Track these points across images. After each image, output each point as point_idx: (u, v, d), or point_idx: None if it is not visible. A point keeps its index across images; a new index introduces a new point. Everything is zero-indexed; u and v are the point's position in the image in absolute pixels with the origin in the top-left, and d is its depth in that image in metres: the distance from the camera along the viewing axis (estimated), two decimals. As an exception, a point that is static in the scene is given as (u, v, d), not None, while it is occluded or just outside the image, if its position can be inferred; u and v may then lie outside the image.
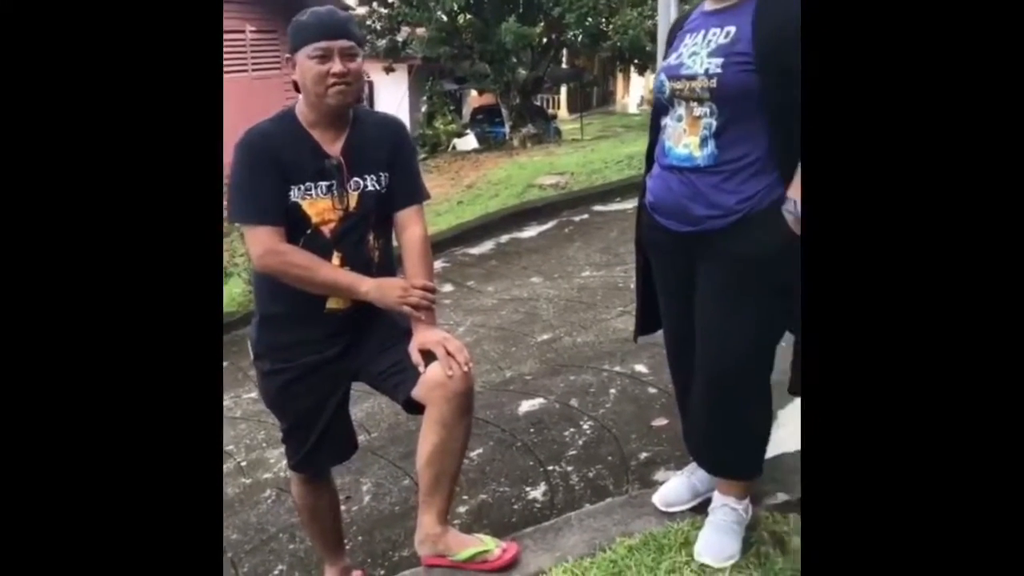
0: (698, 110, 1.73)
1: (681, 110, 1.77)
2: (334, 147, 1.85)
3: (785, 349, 1.87)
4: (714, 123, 1.71)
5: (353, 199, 1.86)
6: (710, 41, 1.72)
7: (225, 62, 10.62)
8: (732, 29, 1.69)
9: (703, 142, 1.73)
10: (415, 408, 1.89)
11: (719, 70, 1.67)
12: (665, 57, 1.86)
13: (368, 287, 1.83)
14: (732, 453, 1.90)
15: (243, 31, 11.08)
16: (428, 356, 1.84)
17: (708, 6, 1.79)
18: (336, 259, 1.85)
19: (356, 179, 1.86)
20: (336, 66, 1.76)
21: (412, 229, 1.94)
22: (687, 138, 1.76)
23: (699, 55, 1.72)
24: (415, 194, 1.96)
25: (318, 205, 1.83)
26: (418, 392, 1.83)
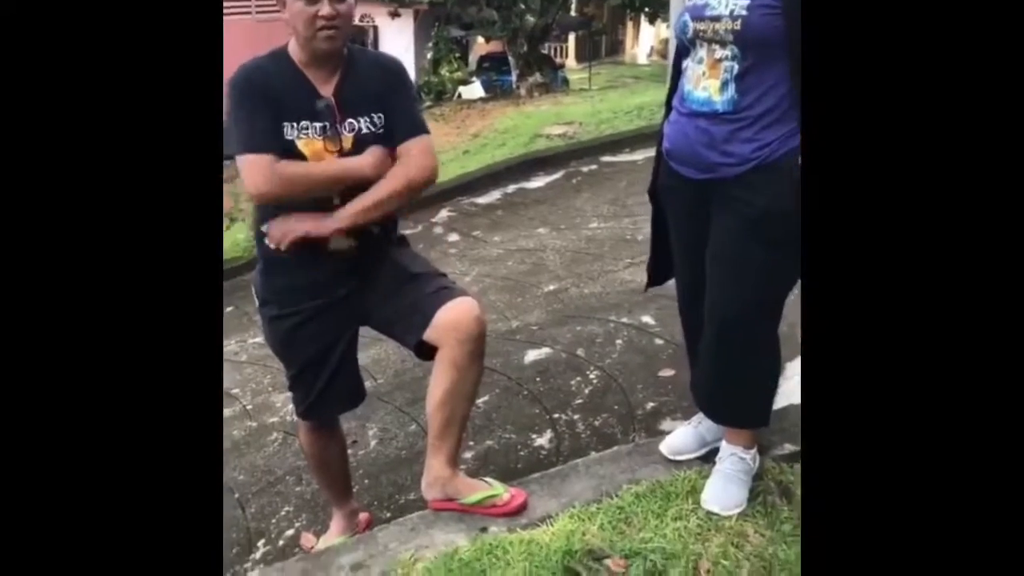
0: (720, 52, 1.69)
1: (702, 52, 1.73)
2: (327, 87, 1.80)
3: (794, 302, 1.85)
4: (736, 67, 1.67)
5: (348, 141, 1.82)
6: None
7: (228, 5, 10.44)
8: None
9: (723, 86, 1.69)
10: (425, 353, 1.88)
11: (744, 12, 1.63)
12: None
13: (364, 162, 1.80)
14: (739, 402, 1.90)
15: (246, -28, 10.87)
16: (438, 298, 1.83)
17: None
18: (336, 201, 1.82)
19: (351, 120, 1.81)
20: (324, 8, 1.71)
21: (411, 158, 1.84)
22: (706, 81, 1.72)
23: None
24: (414, 128, 1.86)
25: (313, 145, 1.79)
26: (430, 335, 1.82)
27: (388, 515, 2.42)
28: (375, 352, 3.57)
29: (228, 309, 4.86)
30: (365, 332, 2.03)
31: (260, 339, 4.15)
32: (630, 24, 26.48)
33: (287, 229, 1.80)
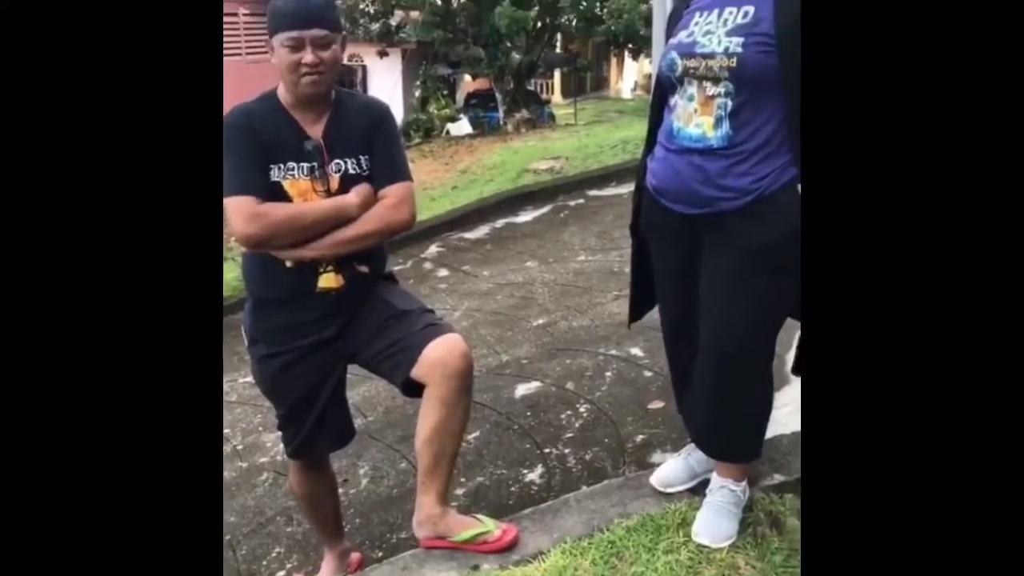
0: (712, 89, 1.70)
1: (692, 89, 1.74)
2: (315, 129, 1.84)
3: (783, 333, 1.87)
4: (730, 103, 1.68)
5: (335, 182, 1.85)
6: (726, 20, 1.69)
7: (217, 46, 10.54)
8: (751, 9, 1.67)
9: (718, 122, 1.70)
10: (413, 390, 1.89)
11: (740, 50, 1.64)
12: (671, 36, 1.83)
13: (350, 201, 1.83)
14: (733, 437, 1.90)
15: (236, 13, 10.99)
16: (425, 335, 1.84)
17: None
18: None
19: (337, 162, 1.85)
20: (307, 56, 1.74)
21: (390, 203, 1.87)
22: (699, 118, 1.73)
23: (715, 34, 1.69)
24: (395, 174, 1.89)
25: (299, 186, 1.82)
26: (418, 371, 1.83)
27: (380, 554, 2.40)
28: (365, 390, 3.57)
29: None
30: (355, 369, 2.04)
31: (250, 378, 4.13)
32: (614, 60, 26.84)
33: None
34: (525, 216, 6.93)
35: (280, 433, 2.09)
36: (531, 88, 16.93)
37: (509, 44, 13.74)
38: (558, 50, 18.76)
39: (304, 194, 1.82)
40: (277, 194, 1.81)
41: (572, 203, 7.09)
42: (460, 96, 19.08)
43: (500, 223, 6.85)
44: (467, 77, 18.78)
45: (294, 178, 1.82)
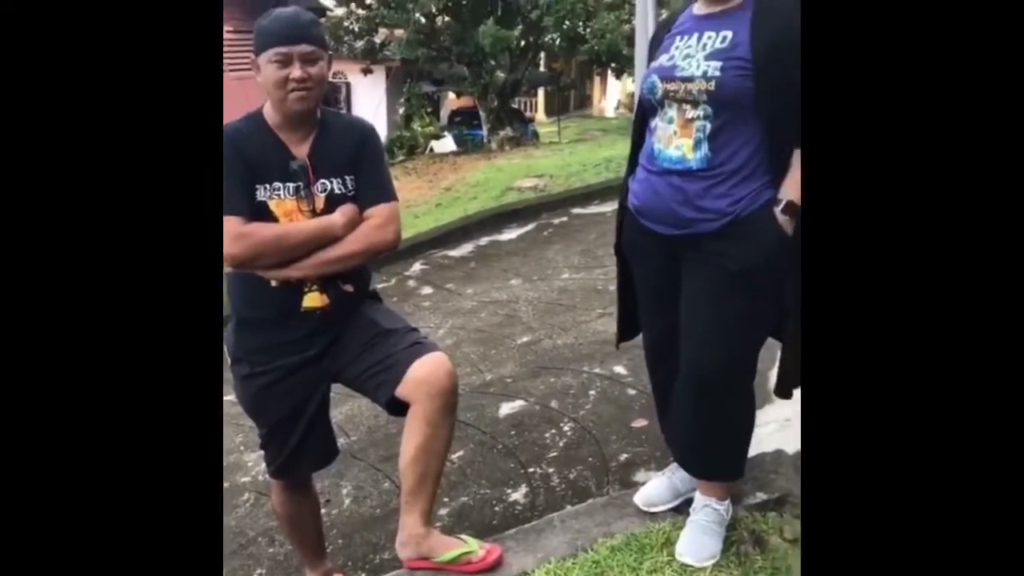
0: (691, 112, 1.73)
1: (672, 112, 1.77)
2: (301, 149, 1.84)
3: (765, 352, 1.88)
4: (708, 126, 1.71)
5: (320, 201, 1.85)
6: (705, 44, 1.72)
7: (201, 62, 10.53)
8: (729, 34, 1.70)
9: (697, 144, 1.73)
10: (398, 409, 1.88)
11: (718, 73, 1.67)
12: (652, 59, 1.86)
13: (335, 221, 1.83)
14: (715, 456, 1.91)
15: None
16: (410, 354, 1.84)
17: (700, 10, 1.79)
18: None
19: (323, 181, 1.85)
20: (295, 71, 1.75)
21: (374, 223, 1.88)
22: (679, 140, 1.75)
23: (694, 58, 1.72)
24: (380, 194, 1.90)
25: (285, 206, 1.82)
26: (402, 390, 1.83)
27: (362, 575, 2.39)
28: (348, 408, 3.55)
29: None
30: (337, 388, 2.03)
31: (231, 397, 4.11)
32: (597, 79, 27.07)
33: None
34: (509, 234, 6.94)
35: (262, 452, 2.07)
36: (515, 106, 17.04)
37: (493, 62, 13.84)
38: (542, 69, 18.91)
39: (290, 214, 1.83)
40: (263, 214, 1.81)
41: (556, 221, 7.12)
42: (444, 114, 19.17)
43: (484, 241, 6.86)
44: (451, 95, 18.89)
45: (280, 198, 1.82)
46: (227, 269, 1.96)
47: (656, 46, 1.88)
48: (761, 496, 2.09)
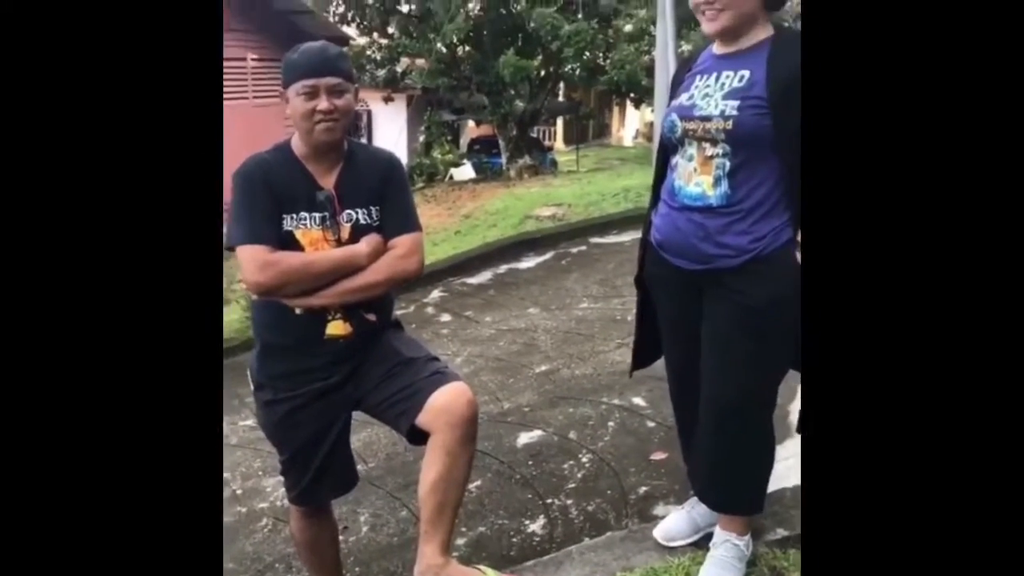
0: (711, 150, 1.76)
1: (692, 150, 1.80)
2: (327, 179, 1.88)
3: (782, 385, 1.88)
4: (727, 163, 1.74)
5: (346, 231, 1.88)
6: (724, 84, 1.75)
7: (227, 89, 10.70)
8: (746, 73, 1.73)
9: (716, 181, 1.76)
10: (418, 438, 1.89)
11: (735, 112, 1.70)
12: (673, 97, 1.89)
13: (360, 251, 1.85)
14: (733, 489, 1.90)
15: (244, 59, 11.19)
16: (431, 383, 1.85)
17: (719, 49, 1.82)
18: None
19: (349, 212, 1.88)
20: (322, 103, 1.79)
21: (398, 253, 1.90)
22: (699, 177, 1.78)
23: (712, 97, 1.75)
24: (404, 224, 1.93)
25: (311, 235, 1.85)
26: (423, 419, 1.84)
27: (379, 604, 2.38)
28: (366, 435, 3.56)
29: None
30: (355, 415, 2.04)
31: (251, 422, 4.13)
32: (616, 108, 27.26)
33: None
34: (527, 262, 6.96)
35: (281, 478, 2.08)
36: (534, 135, 17.15)
37: (513, 92, 13.97)
38: (561, 98, 19.05)
39: (315, 243, 1.85)
40: (289, 243, 1.84)
41: (574, 250, 7.13)
42: (464, 142, 19.33)
43: (503, 269, 6.88)
44: (471, 123, 19.05)
45: (306, 227, 1.85)
46: (253, 297, 2.00)
47: (677, 85, 1.91)
48: (781, 532, 2.07)
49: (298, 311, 1.87)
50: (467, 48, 14.13)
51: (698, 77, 1.83)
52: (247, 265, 1.80)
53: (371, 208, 1.90)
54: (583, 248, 7.17)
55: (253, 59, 11.39)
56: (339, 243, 1.87)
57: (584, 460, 3.02)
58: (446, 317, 5.65)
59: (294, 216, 1.84)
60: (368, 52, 14.47)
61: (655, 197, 1.97)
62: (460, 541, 2.58)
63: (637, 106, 16.79)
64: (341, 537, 2.47)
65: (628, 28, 13.05)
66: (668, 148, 1.91)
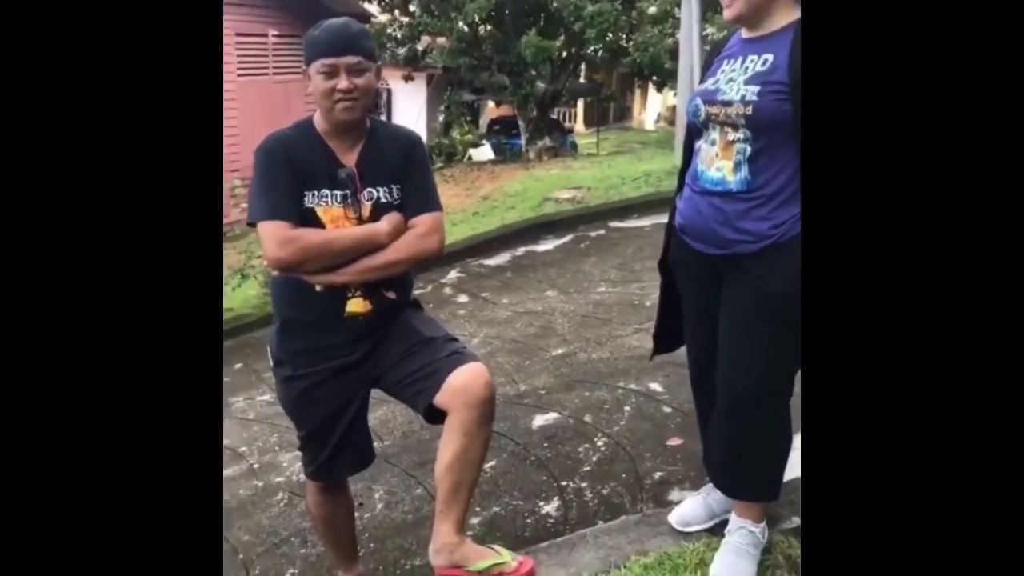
0: (732, 135, 1.75)
1: (715, 134, 1.79)
2: (349, 157, 1.87)
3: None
4: (748, 148, 1.73)
5: (367, 209, 1.88)
6: (747, 68, 1.74)
7: (247, 65, 10.71)
8: (770, 57, 1.71)
9: (737, 167, 1.75)
10: (435, 417, 1.90)
11: (755, 98, 1.69)
12: (702, 81, 1.89)
13: (381, 229, 1.85)
14: (749, 476, 1.90)
15: (265, 35, 11.18)
16: (449, 363, 1.85)
17: (746, 33, 1.81)
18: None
19: (370, 190, 1.88)
20: (342, 82, 1.78)
21: (419, 232, 1.90)
22: (720, 162, 1.78)
23: (735, 82, 1.74)
24: (425, 203, 1.93)
25: (332, 212, 1.85)
26: (440, 399, 1.84)
27: (393, 581, 2.40)
28: (382, 413, 3.58)
29: (237, 366, 4.88)
30: (372, 392, 2.05)
31: (268, 397, 4.16)
32: (638, 91, 26.99)
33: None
34: (546, 245, 6.94)
35: (298, 453, 2.10)
36: (554, 116, 17.04)
37: (534, 72, 13.85)
38: (582, 79, 18.91)
39: (336, 221, 1.85)
40: (310, 220, 1.84)
41: (593, 234, 7.10)
42: (483, 122, 19.24)
43: (521, 251, 6.87)
44: (491, 103, 18.95)
45: (327, 205, 1.85)
46: (273, 273, 2.00)
47: (706, 68, 1.91)
48: (797, 521, 2.06)
49: (318, 288, 1.87)
50: (488, 27, 14.02)
51: (725, 61, 1.82)
52: (268, 241, 1.81)
53: (392, 186, 1.90)
54: (602, 232, 7.14)
55: (274, 35, 11.38)
56: (360, 221, 1.87)
57: (600, 444, 3.02)
58: (463, 298, 5.65)
59: (315, 193, 1.84)
60: (389, 30, 14.39)
61: (681, 182, 1.96)
62: (475, 521, 2.59)
63: (659, 89, 16.59)
64: (356, 513, 2.49)
65: (652, 10, 12.89)
66: (693, 132, 1.90)
